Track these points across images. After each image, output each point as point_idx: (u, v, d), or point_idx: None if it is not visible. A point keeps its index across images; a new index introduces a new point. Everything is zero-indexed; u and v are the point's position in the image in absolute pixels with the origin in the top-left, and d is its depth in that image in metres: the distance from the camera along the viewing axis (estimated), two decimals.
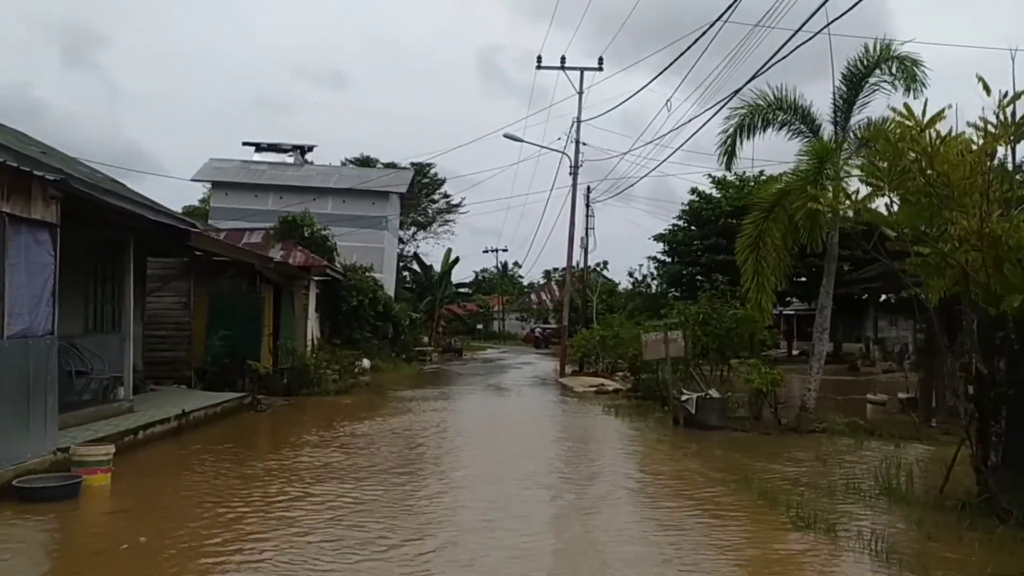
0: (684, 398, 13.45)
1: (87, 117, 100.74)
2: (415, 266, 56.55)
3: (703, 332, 15.38)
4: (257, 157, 42.21)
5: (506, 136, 28.87)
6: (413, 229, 71.32)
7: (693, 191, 42.95)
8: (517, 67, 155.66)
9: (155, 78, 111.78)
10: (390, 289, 41.73)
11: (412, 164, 70.47)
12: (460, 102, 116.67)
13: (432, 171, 70.92)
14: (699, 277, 40.61)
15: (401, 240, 69.39)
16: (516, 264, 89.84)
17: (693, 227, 42.67)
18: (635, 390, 20.02)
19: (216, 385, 17.37)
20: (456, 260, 50.89)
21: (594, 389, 21.41)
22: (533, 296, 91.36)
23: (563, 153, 29.18)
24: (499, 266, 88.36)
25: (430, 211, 71.54)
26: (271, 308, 19.86)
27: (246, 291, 19.23)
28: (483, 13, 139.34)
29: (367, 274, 31.14)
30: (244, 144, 42.11)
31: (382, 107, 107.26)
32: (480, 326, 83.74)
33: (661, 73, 65.51)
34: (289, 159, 42.84)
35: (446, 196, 71.66)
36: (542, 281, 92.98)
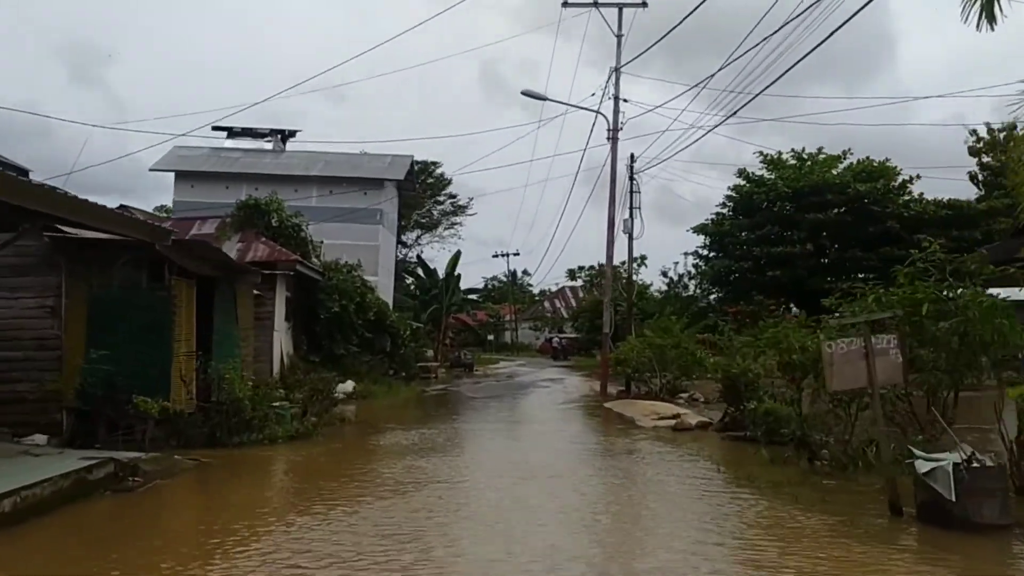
0: (928, 468, 6.63)
1: (93, 132, 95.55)
2: (420, 272, 49.70)
3: (918, 336, 8.48)
4: (229, 144, 35.69)
5: (524, 93, 22.24)
6: (417, 232, 64.74)
7: (741, 173, 36.28)
8: (522, 77, 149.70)
9: (157, 94, 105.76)
10: (387, 294, 35.01)
11: (417, 162, 64.37)
12: (464, 113, 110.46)
13: (438, 170, 64.71)
14: (751, 275, 33.85)
15: (404, 244, 62.89)
16: (525, 272, 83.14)
17: (741, 215, 35.94)
18: (735, 426, 13.25)
19: (81, 436, 10.74)
20: (458, 254, 44.16)
21: (668, 423, 14.63)
22: (547, 304, 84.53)
23: (597, 112, 22.52)
24: (509, 273, 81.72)
25: (435, 212, 65.12)
26: (191, 314, 13.11)
27: (148, 287, 12.54)
28: (486, 24, 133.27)
29: (353, 273, 24.45)
30: (214, 129, 35.47)
31: (386, 121, 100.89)
32: (491, 337, 77.00)
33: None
34: (267, 145, 36.30)
35: (452, 197, 65.34)
36: (555, 288, 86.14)
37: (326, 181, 33.59)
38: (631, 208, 22.53)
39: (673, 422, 14.48)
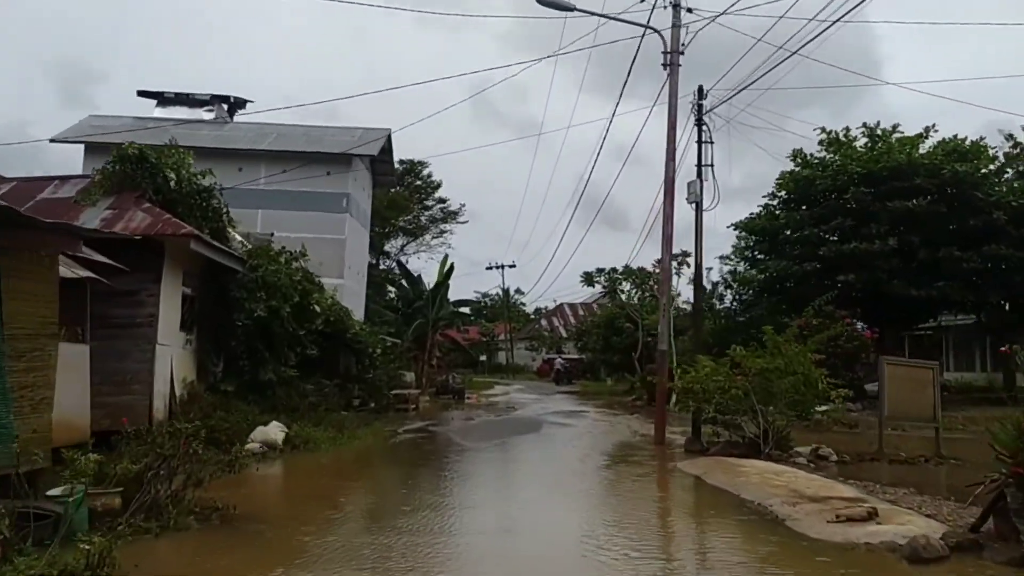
0: None
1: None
2: (404, 283, 41.70)
3: None
4: (159, 113, 28.06)
5: (542, 3, 14.79)
6: (402, 240, 57.16)
7: (795, 155, 28.90)
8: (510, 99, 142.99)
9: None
10: (356, 302, 27.39)
11: (402, 162, 56.88)
12: (456, 132, 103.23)
13: (425, 172, 57.36)
14: (816, 280, 26.41)
15: (386, 254, 55.27)
16: (519, 291, 75.52)
17: (798, 206, 28.55)
18: None
19: None
20: (451, 268, 36.51)
21: (866, 530, 6.96)
22: (544, 322, 76.81)
23: (646, 28, 15.05)
24: (503, 287, 74.16)
25: (423, 218, 57.58)
26: None
27: None
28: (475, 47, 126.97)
29: (294, 263, 16.88)
30: (140, 94, 27.92)
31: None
32: (483, 357, 69.27)
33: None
34: (207, 114, 28.71)
35: (442, 202, 57.89)
36: (552, 305, 78.48)
37: (278, 157, 26.06)
38: (699, 166, 14.97)
39: (878, 529, 6.83)
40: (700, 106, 14.99)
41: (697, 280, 15.97)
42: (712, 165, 14.89)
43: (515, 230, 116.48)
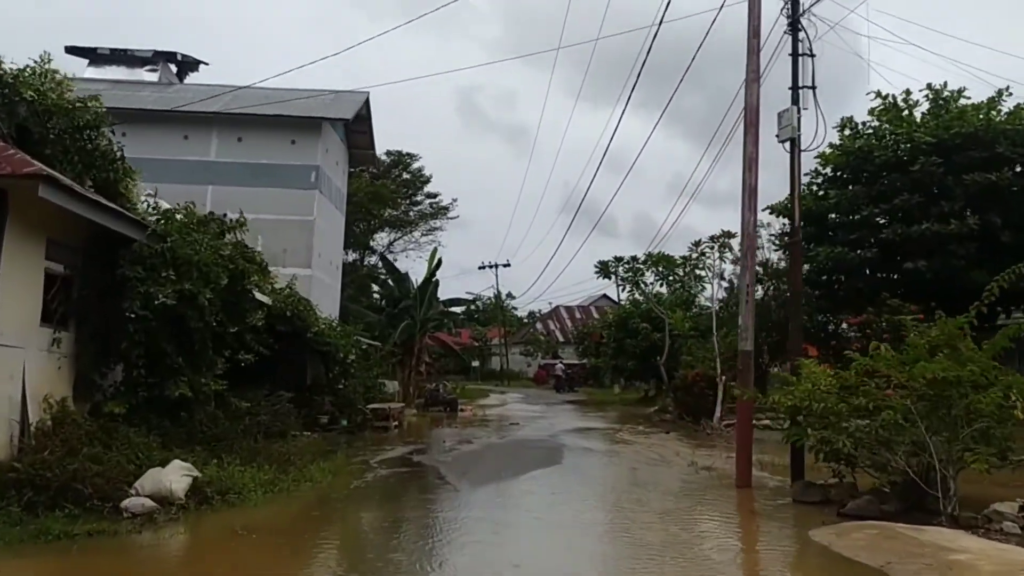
0: None
1: None
2: (389, 281, 36.70)
3: None
4: (93, 73, 23.23)
5: None
6: (390, 236, 52.32)
7: (845, 124, 24.39)
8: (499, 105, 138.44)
9: None
10: (329, 298, 22.71)
11: (389, 153, 52.21)
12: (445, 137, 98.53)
13: (415, 165, 52.78)
14: (877, 269, 21.94)
15: (372, 251, 50.44)
16: (510, 295, 70.92)
17: (846, 185, 24.01)
18: None
19: None
20: (440, 262, 31.76)
21: None
22: (539, 326, 72.17)
23: None
24: (496, 288, 69.55)
25: (412, 214, 52.83)
26: None
27: None
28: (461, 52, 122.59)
29: (225, 235, 12.21)
30: (68, 51, 23.04)
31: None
32: (476, 363, 64.53)
33: None
34: (149, 75, 23.93)
35: (432, 197, 53.19)
36: (548, 308, 73.91)
37: (234, 122, 21.34)
38: (795, 87, 10.29)
39: None
40: (795, 2, 10.38)
41: (794, 249, 11.21)
42: (814, 87, 10.28)
43: (506, 236, 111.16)
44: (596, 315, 68.39)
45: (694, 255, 19.94)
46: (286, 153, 21.29)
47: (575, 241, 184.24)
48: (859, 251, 22.05)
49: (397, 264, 41.83)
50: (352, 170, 28.16)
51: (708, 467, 11.99)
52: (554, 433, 18.67)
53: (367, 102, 23.48)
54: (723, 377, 19.30)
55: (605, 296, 72.07)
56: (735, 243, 19.78)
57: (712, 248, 19.86)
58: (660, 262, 20.64)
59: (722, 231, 20.13)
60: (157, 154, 20.02)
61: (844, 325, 24.98)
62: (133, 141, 20.31)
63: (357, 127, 24.10)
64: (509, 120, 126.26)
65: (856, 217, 22.55)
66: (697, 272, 20.29)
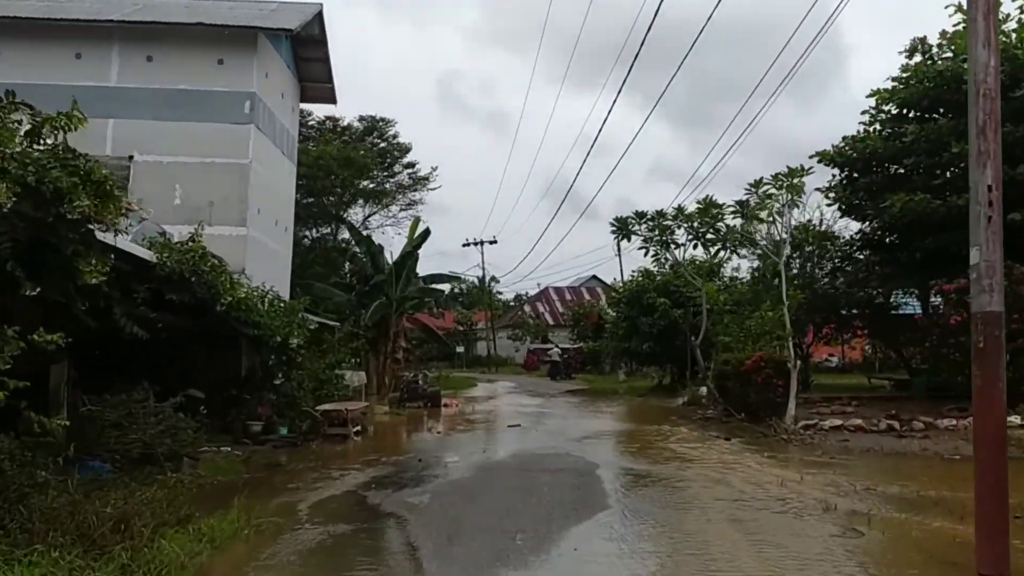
0: None
1: None
2: (360, 254, 31.21)
3: None
4: None
5: None
6: (365, 209, 46.88)
7: (916, 48, 19.52)
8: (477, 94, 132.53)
9: None
10: (276, 269, 17.59)
11: (363, 117, 46.85)
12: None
13: (391, 132, 47.49)
14: (961, 221, 16.83)
15: (343, 222, 44.95)
16: (494, 279, 66.12)
17: (925, 114, 19.11)
18: None
19: None
20: (426, 232, 26.67)
21: None
22: (527, 308, 67.23)
23: None
24: (482, 267, 64.52)
25: (388, 185, 47.46)
26: None
27: None
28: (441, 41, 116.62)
29: (43, 129, 6.97)
30: None
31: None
32: (460, 348, 59.57)
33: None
34: None
35: (410, 167, 47.81)
36: (536, 290, 69.04)
37: (142, 36, 15.98)
38: None
39: None
40: None
41: None
42: None
43: (487, 220, 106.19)
44: (588, 297, 63.58)
45: (752, 199, 14.89)
46: (211, 76, 16.00)
47: (561, 226, 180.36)
48: (949, 198, 17.16)
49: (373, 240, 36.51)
50: (306, 114, 22.79)
51: (856, 513, 7.03)
52: (569, 440, 13.69)
53: (320, 17, 18.10)
54: (797, 361, 14.41)
55: (595, 277, 67.30)
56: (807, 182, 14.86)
57: (780, 186, 14.86)
58: (708, 210, 15.55)
59: (788, 167, 15.07)
60: (40, 78, 14.74)
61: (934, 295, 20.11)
62: (8, 61, 15.23)
63: (309, 52, 18.81)
64: (489, 106, 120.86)
65: (942, 156, 17.65)
66: (759, 217, 15.22)
